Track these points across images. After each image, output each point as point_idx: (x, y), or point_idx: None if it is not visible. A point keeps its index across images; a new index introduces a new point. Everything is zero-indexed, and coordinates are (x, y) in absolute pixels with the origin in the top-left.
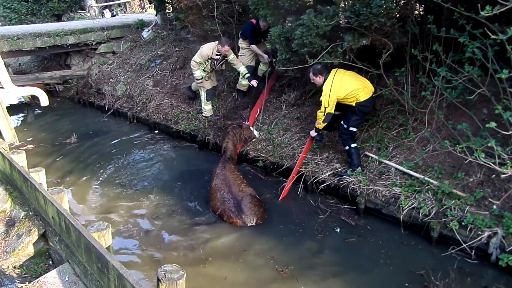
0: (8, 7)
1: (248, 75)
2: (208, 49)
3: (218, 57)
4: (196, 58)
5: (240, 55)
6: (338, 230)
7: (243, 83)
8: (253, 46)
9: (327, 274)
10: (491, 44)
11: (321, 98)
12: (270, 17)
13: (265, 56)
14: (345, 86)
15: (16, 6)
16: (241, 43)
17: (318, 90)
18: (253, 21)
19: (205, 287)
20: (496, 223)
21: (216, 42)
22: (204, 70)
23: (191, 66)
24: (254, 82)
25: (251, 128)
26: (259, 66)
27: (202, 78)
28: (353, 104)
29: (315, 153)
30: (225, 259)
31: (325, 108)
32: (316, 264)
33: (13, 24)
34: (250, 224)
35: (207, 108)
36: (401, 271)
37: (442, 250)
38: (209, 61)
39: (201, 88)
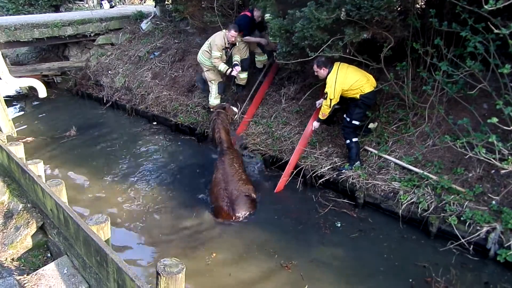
0: None
1: (236, 63)
2: (220, 39)
3: (228, 45)
4: (216, 53)
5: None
6: (339, 225)
7: (241, 77)
8: (248, 37)
9: (331, 269)
10: (493, 39)
11: (326, 90)
12: (269, 7)
13: (262, 40)
14: (350, 77)
15: None
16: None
17: (318, 83)
18: (248, 14)
19: (209, 283)
20: (495, 219)
21: (222, 31)
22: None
23: (213, 63)
24: (235, 70)
25: (231, 106)
26: (257, 58)
27: (214, 68)
28: (357, 96)
29: (314, 147)
30: (228, 254)
31: (331, 100)
32: (320, 259)
33: (10, 15)
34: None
35: (216, 102)
36: (404, 266)
37: (441, 244)
38: (224, 51)
39: (212, 81)
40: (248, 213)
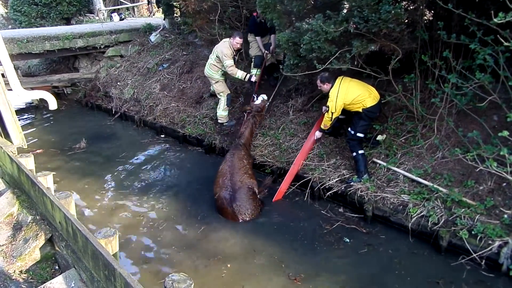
0: (18, 10)
1: (251, 74)
2: (227, 48)
3: (235, 52)
4: (229, 61)
5: (250, 48)
6: (347, 240)
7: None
8: (258, 38)
9: (341, 284)
10: (503, 51)
11: (328, 103)
12: (276, 20)
13: (264, 50)
14: (351, 92)
15: (26, 9)
16: (249, 37)
17: (325, 95)
18: (255, 14)
19: None
20: (507, 233)
21: (226, 40)
22: (223, 74)
23: (230, 72)
24: (253, 77)
25: (260, 98)
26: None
27: (223, 81)
28: (360, 110)
29: (322, 159)
30: (240, 265)
31: (332, 113)
32: (328, 274)
33: (23, 27)
34: (240, 217)
35: (224, 114)
36: (417, 282)
37: (452, 259)
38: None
39: (221, 93)
40: (248, 206)
